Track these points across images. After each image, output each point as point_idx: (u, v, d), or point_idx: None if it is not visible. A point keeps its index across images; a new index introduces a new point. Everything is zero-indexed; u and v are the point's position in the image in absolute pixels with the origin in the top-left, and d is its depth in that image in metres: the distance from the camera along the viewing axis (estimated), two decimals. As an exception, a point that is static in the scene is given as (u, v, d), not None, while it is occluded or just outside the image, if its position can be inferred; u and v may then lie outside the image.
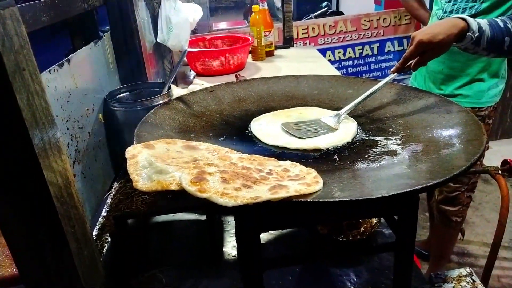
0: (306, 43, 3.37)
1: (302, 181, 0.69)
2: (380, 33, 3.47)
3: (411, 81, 1.95)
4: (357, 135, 0.99)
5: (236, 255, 1.02)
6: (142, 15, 1.57)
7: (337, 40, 3.44)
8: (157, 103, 1.15)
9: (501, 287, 2.16)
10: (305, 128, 1.01)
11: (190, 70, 2.21)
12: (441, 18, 1.59)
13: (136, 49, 1.44)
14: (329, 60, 3.27)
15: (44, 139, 0.57)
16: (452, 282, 0.86)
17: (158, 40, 1.82)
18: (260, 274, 0.79)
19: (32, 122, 0.55)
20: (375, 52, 3.52)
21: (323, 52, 3.29)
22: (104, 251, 1.03)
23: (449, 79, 1.71)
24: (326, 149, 0.92)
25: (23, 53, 0.54)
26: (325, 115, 1.07)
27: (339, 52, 3.47)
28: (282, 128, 1.01)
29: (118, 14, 1.38)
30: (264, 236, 1.07)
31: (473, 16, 1.32)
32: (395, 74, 1.10)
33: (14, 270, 0.81)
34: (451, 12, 1.57)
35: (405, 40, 3.49)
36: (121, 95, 1.29)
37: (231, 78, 1.93)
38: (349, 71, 3.53)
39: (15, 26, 0.53)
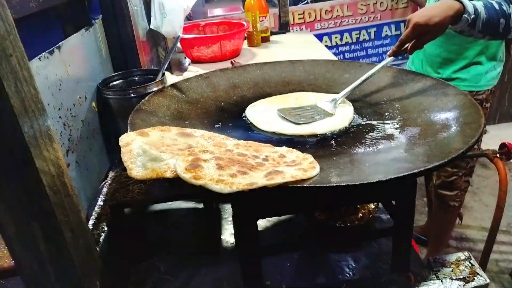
0: (302, 29, 3.33)
1: (299, 167, 0.69)
2: (377, 17, 3.44)
3: (408, 65, 1.94)
4: (354, 120, 0.98)
5: (234, 243, 1.02)
6: (134, 1, 1.54)
7: (333, 25, 3.40)
8: (151, 91, 1.13)
9: (499, 271, 2.17)
10: (302, 113, 1.00)
11: (185, 57, 2.19)
12: (438, 1, 1.57)
13: (128, 36, 1.42)
14: (326, 46, 3.24)
15: (34, 127, 0.56)
16: (450, 266, 0.86)
17: (151, 26, 1.79)
18: (258, 261, 0.78)
19: (21, 109, 0.53)
20: (372, 36, 3.49)
21: (319, 37, 3.26)
22: (100, 240, 1.02)
23: (446, 62, 1.69)
24: (323, 134, 0.91)
25: (9, 38, 0.53)
26: (322, 100, 1.05)
27: (335, 37, 3.44)
28: (278, 114, 1.00)
29: (110, 1, 1.35)
30: (262, 223, 1.07)
31: (470, -2, 1.30)
32: (392, 57, 1.09)
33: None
34: (448, -6, 1.55)
35: (402, 24, 3.46)
36: (114, 82, 1.27)
37: (227, 64, 1.90)
38: (346, 56, 3.50)
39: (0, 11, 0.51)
